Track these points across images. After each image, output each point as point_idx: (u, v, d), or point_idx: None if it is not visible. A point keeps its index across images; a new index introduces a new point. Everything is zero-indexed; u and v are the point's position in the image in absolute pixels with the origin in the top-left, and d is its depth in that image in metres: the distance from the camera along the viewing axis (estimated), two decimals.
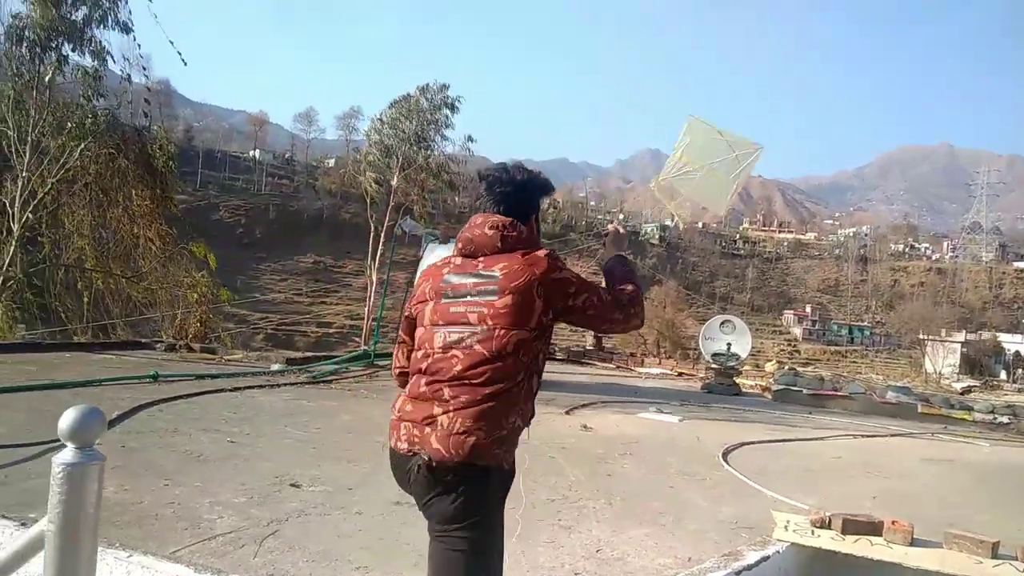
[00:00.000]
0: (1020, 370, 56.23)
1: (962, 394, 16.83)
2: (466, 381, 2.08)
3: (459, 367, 2.10)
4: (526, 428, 2.17)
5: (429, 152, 17.91)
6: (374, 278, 15.85)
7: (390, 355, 12.20)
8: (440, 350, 2.14)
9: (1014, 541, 4.21)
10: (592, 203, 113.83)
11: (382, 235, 14.62)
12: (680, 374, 16.12)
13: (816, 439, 8.46)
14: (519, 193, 2.33)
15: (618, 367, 16.85)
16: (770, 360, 38.22)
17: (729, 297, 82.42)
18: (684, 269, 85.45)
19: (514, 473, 2.17)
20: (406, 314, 2.39)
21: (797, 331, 75.36)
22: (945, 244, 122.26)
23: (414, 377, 2.21)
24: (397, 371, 2.46)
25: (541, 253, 2.19)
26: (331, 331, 50.77)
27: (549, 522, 4.17)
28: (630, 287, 2.29)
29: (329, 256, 62.71)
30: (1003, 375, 55.68)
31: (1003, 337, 62.59)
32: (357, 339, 37.37)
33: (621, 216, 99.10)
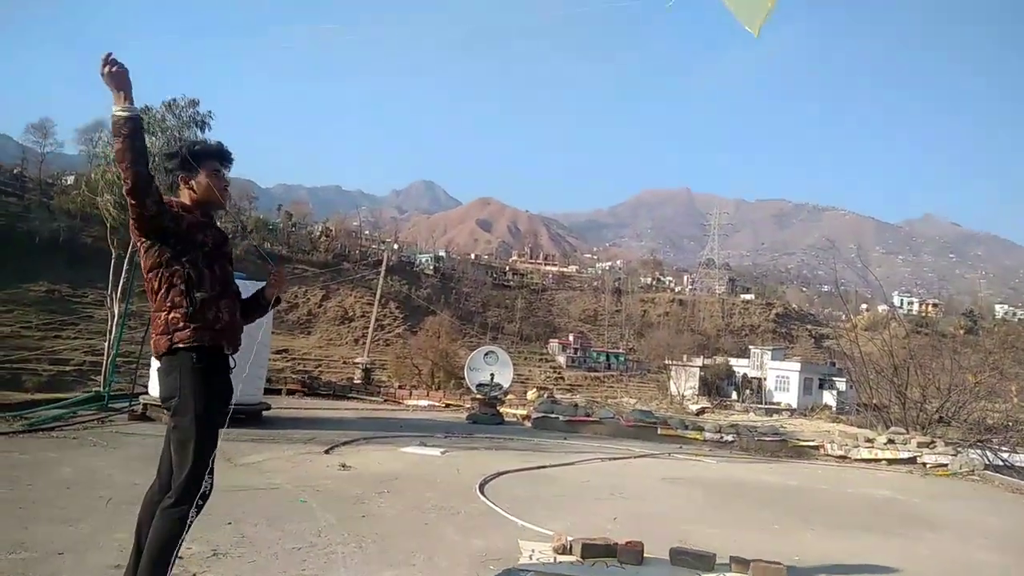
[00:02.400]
0: (747, 391, 64.07)
1: (696, 415, 18.71)
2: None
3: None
4: None
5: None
6: (115, 310, 14.28)
7: (127, 396, 11.01)
8: None
9: (732, 552, 4.71)
10: (366, 232, 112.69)
11: (124, 262, 13.20)
12: (447, 405, 16.29)
13: (568, 464, 8.92)
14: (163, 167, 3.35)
15: (386, 400, 16.65)
16: (534, 388, 39.90)
17: (500, 327, 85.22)
18: (458, 299, 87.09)
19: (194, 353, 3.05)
20: None
21: (562, 359, 79.67)
22: (686, 278, 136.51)
23: None
24: None
25: None
26: (68, 369, 44.74)
27: (292, 574, 3.94)
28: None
29: (66, 284, 55.64)
30: (734, 395, 63.11)
31: (733, 361, 71.07)
32: (97, 378, 33.47)
33: (395, 246, 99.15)
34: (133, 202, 2.85)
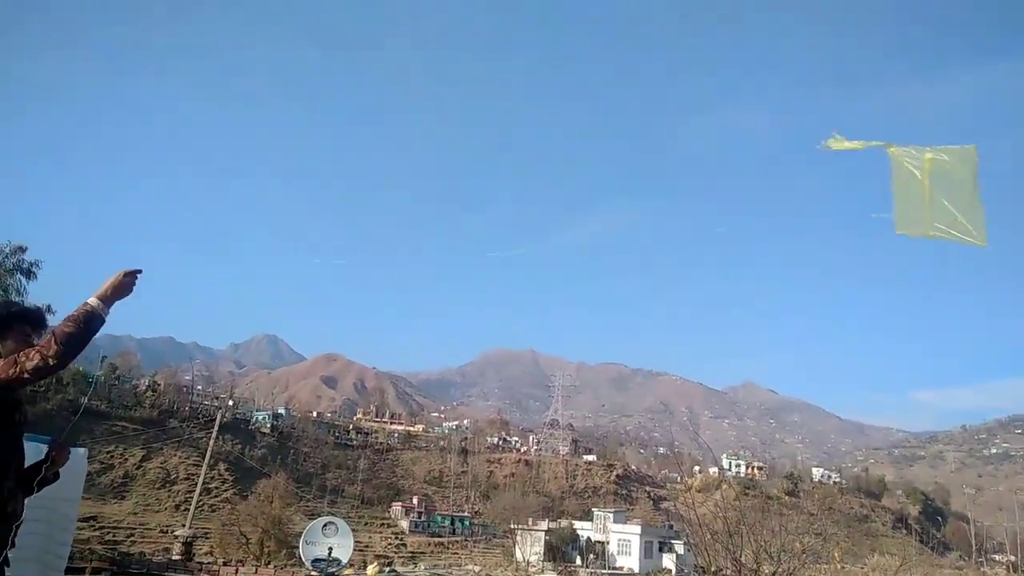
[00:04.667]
0: (591, 555, 63.56)
1: None
2: None
3: None
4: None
5: None
6: None
7: None
8: None
9: None
10: (199, 387, 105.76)
11: None
12: None
13: None
14: None
15: None
16: (372, 561, 37.68)
17: (340, 489, 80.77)
18: (296, 460, 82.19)
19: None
20: None
21: (405, 523, 76.05)
22: (531, 438, 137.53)
23: None
24: None
25: None
26: None
27: None
28: (44, 342, 2.72)
29: None
30: (578, 560, 62.33)
31: (577, 524, 70.76)
32: None
33: (231, 403, 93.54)
34: (34, 378, 2.69)
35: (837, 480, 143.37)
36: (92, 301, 2.79)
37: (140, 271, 2.95)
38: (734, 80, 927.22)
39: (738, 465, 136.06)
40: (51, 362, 2.64)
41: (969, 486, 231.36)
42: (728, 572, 16.72)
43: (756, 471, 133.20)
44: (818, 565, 17.03)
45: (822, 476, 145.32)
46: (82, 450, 10.81)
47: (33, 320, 3.07)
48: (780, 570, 15.23)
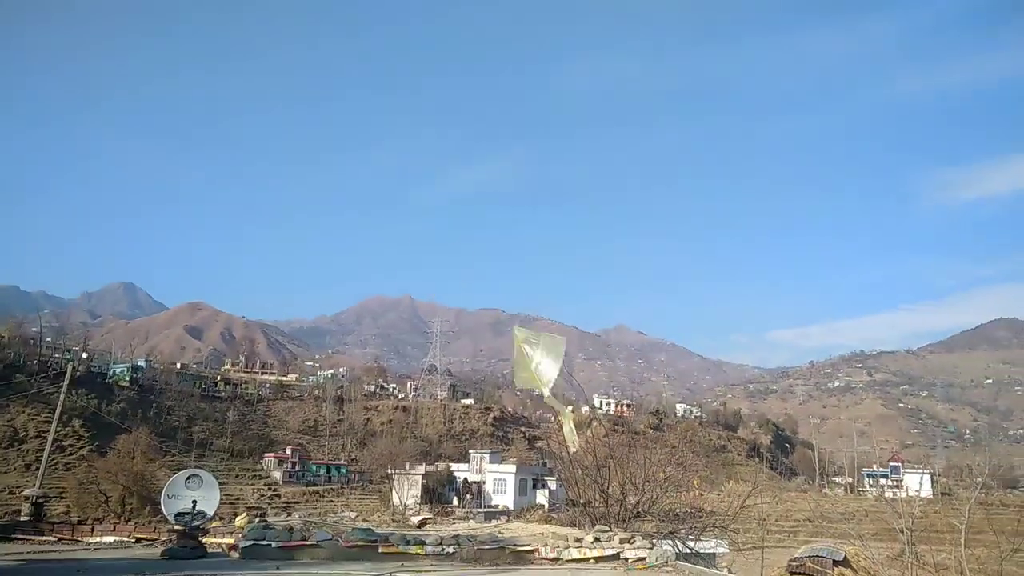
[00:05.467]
0: (468, 495, 64.97)
1: (419, 527, 18.42)
2: None
3: None
4: None
5: None
6: None
7: None
8: None
9: None
10: (48, 339, 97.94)
11: None
12: (139, 540, 14.23)
13: None
14: None
15: (60, 540, 14.09)
16: (243, 512, 36.76)
17: (208, 443, 77.86)
18: (159, 414, 78.25)
19: None
20: None
21: (278, 474, 74.66)
22: (409, 384, 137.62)
23: None
24: None
25: None
26: None
27: None
28: None
29: None
30: (455, 501, 63.59)
31: (455, 466, 72.01)
32: None
33: (84, 355, 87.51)
34: None
35: (698, 415, 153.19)
36: None
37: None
38: (606, 27, 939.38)
39: (608, 404, 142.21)
40: None
41: (815, 416, 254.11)
42: (597, 503, 17.58)
43: (625, 409, 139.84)
44: (679, 493, 18.15)
45: (684, 411, 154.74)
46: None
47: None
48: (644, 499, 16.16)
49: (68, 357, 77.78)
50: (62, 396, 31.34)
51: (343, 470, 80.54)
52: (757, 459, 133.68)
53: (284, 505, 62.53)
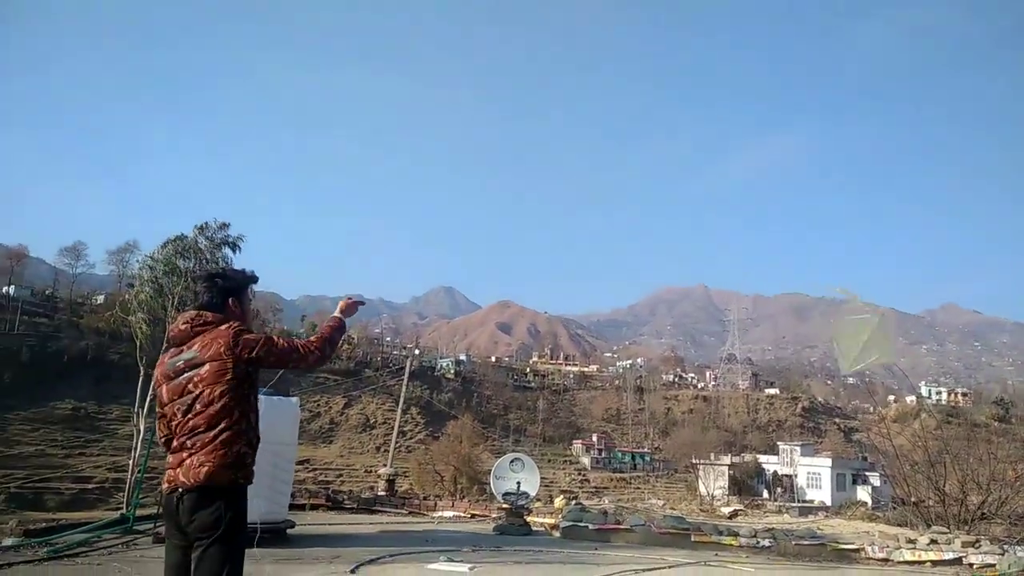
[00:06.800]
0: (779, 489, 62.04)
1: (730, 518, 18.14)
2: (199, 431, 3.11)
3: (192, 423, 3.12)
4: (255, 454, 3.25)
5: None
6: (141, 426, 14.32)
7: (152, 517, 10.93)
8: (180, 416, 3.16)
9: None
10: (388, 339, 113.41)
11: (153, 378, 13.32)
12: (473, 516, 15.94)
13: None
14: (214, 287, 3.39)
15: (411, 513, 16.33)
16: (558, 495, 38.89)
17: (522, 429, 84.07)
18: (479, 403, 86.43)
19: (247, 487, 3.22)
20: (154, 392, 3.42)
21: (586, 460, 77.98)
22: (708, 374, 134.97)
23: (173, 439, 3.19)
24: (162, 439, 3.34)
25: (224, 327, 3.23)
26: (91, 486, 44.39)
27: None
28: (315, 339, 3.41)
29: (93, 401, 56.01)
30: (765, 494, 61.08)
31: (762, 458, 69.13)
32: (120, 495, 33.04)
33: (417, 352, 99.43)
34: (313, 359, 3.36)
35: None
36: (339, 316, 3.64)
37: (363, 302, 3.89)
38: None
39: (938, 392, 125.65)
40: (317, 357, 3.39)
41: None
42: (931, 503, 15.82)
43: (960, 398, 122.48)
44: None
45: None
46: (294, 399, 12.08)
47: (251, 283, 3.72)
48: (990, 499, 14.16)
49: (405, 354, 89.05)
50: (404, 388, 36.08)
51: (647, 458, 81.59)
52: None
53: (594, 490, 65.10)
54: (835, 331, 6.59)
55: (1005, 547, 11.69)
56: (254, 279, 3.68)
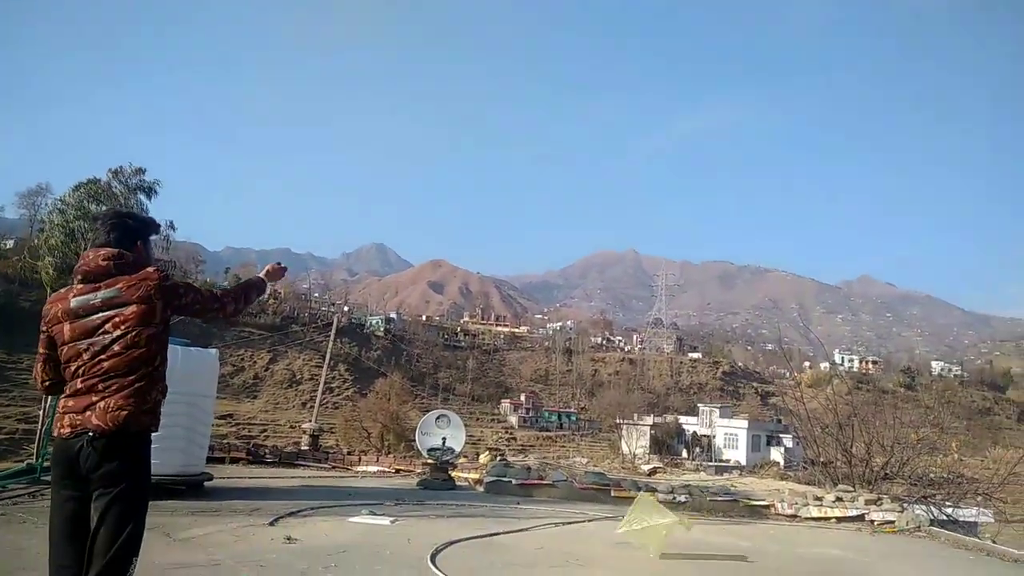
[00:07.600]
0: (697, 448, 64.35)
1: (649, 475, 18.68)
2: (115, 373, 2.95)
3: (108, 365, 2.95)
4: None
5: None
6: None
7: None
8: (87, 357, 2.97)
9: None
10: (316, 295, 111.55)
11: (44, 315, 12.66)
12: (398, 471, 15.92)
13: (521, 530, 8.76)
14: (123, 228, 3.22)
15: (334, 467, 16.19)
16: (484, 452, 39.32)
17: (451, 388, 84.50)
18: (409, 361, 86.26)
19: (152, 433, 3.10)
20: (43, 332, 3.14)
21: (514, 419, 79.11)
22: (635, 337, 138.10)
23: (71, 381, 3.01)
24: (46, 383, 3.18)
25: (150, 270, 3.13)
26: (0, 437, 42.67)
27: None
28: (233, 290, 3.47)
29: (2, 350, 53.40)
30: (684, 453, 63.29)
31: (683, 419, 71.52)
32: (31, 447, 31.71)
33: (346, 308, 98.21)
34: (230, 309, 3.40)
35: (958, 373, 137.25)
36: (262, 276, 3.71)
37: (287, 268, 4.01)
38: None
39: (851, 360, 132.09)
40: (233, 312, 3.43)
41: None
42: (839, 463, 16.62)
43: (870, 366, 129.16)
44: (933, 456, 16.57)
45: (942, 369, 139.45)
46: (213, 351, 11.70)
47: (157, 232, 3.64)
48: (892, 460, 14.97)
49: (333, 310, 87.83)
50: (330, 344, 35.61)
51: (573, 417, 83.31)
52: None
53: (520, 448, 66.17)
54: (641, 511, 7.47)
55: (904, 505, 12.39)
56: (157, 227, 3.59)
